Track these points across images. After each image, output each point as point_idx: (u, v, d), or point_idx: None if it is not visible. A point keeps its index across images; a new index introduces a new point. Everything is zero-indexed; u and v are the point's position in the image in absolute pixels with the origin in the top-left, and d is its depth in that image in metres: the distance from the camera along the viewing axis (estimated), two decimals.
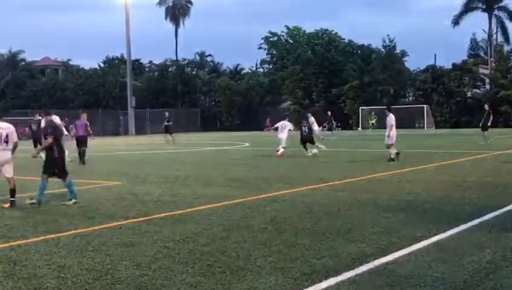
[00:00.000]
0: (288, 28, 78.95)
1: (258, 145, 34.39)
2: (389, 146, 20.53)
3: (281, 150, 23.71)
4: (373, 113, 63.39)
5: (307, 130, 24.20)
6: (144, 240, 8.06)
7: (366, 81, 65.91)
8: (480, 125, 31.75)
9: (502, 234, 8.12)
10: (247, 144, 35.42)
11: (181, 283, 5.95)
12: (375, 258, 6.77)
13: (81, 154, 22.26)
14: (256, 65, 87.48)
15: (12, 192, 11.78)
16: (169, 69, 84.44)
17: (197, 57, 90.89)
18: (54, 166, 12.01)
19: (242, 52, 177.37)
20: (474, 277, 6.05)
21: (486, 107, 32.99)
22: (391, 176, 15.71)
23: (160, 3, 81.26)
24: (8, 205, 11.56)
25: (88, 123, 23.62)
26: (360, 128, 62.25)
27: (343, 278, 6.04)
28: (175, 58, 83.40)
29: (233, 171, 17.96)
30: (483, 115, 31.78)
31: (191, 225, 9.11)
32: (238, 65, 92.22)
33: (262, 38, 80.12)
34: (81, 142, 22.67)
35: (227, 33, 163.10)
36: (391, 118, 20.62)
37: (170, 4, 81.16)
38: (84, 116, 23.63)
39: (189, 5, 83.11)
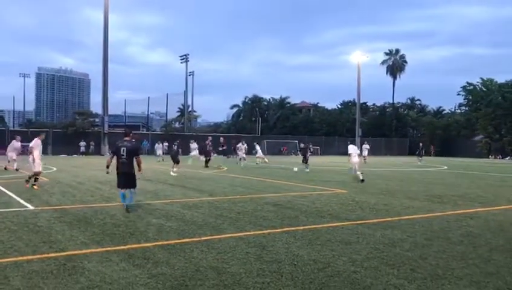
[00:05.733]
0: (482, 79, 71.07)
1: (454, 168, 30.96)
2: None
3: None
4: None
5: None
6: (360, 240, 7.18)
7: None
8: None
9: None
10: (445, 167, 32.08)
11: (387, 284, 4.98)
12: None
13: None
14: (455, 107, 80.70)
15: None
16: (387, 110, 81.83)
17: (408, 101, 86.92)
18: None
19: (443, 97, 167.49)
20: None
21: None
22: None
23: (383, 63, 79.53)
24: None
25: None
26: None
27: None
28: (391, 102, 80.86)
29: (433, 188, 16.02)
30: None
31: (398, 231, 7.96)
32: (440, 107, 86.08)
33: (461, 87, 73.19)
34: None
35: (432, 83, 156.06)
36: None
37: (390, 63, 78.91)
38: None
39: (404, 63, 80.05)
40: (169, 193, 13.25)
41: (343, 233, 7.68)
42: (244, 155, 29.10)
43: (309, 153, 26.29)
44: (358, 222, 8.84)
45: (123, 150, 9.48)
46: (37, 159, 13.60)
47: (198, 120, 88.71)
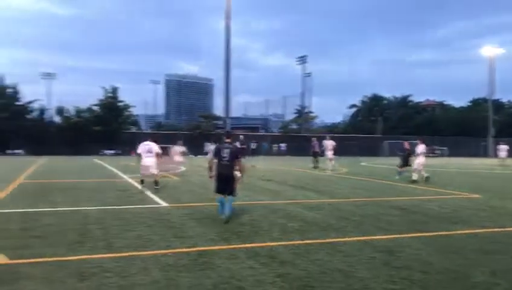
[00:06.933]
0: None
1: None
2: None
3: None
4: None
5: None
6: (500, 249, 6.54)
7: None
8: None
9: None
10: None
11: None
12: None
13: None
14: None
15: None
16: None
17: None
18: None
19: None
20: None
21: None
22: None
23: None
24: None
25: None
26: None
27: None
28: None
29: None
30: None
31: None
32: None
33: None
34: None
35: None
36: None
37: None
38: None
39: None
40: (290, 194, 13.38)
41: (479, 241, 7.07)
42: (328, 154, 24.07)
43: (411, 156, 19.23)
44: (496, 229, 8.07)
45: (225, 151, 9.01)
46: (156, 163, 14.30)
47: (315, 121, 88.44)
